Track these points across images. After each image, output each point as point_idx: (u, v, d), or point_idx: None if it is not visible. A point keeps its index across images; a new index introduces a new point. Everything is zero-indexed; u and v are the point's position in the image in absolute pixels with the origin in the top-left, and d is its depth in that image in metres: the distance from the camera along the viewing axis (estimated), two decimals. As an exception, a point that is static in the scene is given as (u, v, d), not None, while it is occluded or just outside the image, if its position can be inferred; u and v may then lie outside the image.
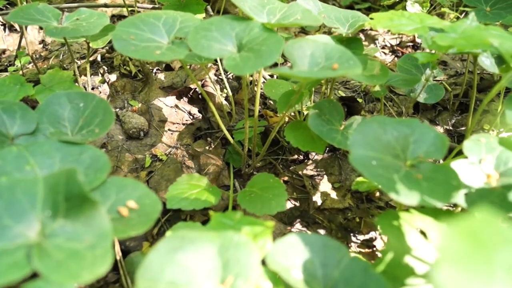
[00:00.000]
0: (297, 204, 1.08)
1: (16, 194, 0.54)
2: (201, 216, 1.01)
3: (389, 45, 1.81)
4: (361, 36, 1.86)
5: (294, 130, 0.99)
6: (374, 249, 0.98)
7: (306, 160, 1.19)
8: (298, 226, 1.03)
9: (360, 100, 1.45)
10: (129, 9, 1.44)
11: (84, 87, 1.32)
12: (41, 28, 1.75)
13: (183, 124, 1.27)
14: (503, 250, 0.36)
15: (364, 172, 0.60)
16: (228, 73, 1.50)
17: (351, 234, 1.02)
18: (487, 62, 0.90)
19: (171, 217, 1.02)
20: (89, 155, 0.68)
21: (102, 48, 1.56)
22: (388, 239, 0.70)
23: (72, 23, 1.03)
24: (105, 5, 1.63)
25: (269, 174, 0.97)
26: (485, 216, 0.39)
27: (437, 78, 1.49)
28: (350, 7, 2.04)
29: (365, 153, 0.64)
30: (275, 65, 1.50)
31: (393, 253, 0.65)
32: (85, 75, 1.35)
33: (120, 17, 1.86)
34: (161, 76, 1.41)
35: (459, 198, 0.66)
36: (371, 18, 0.90)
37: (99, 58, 1.52)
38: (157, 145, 1.19)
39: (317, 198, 1.07)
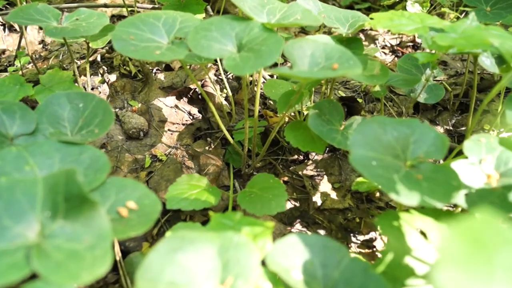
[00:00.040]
0: (297, 204, 1.08)
1: (16, 195, 0.54)
2: (201, 216, 1.01)
3: (389, 45, 1.81)
4: (361, 36, 1.86)
5: (294, 130, 0.99)
6: (374, 249, 0.98)
7: (306, 160, 1.19)
8: (298, 226, 1.03)
9: (360, 100, 1.45)
10: (129, 9, 1.44)
11: (84, 87, 1.32)
12: (40, 28, 1.75)
13: (183, 124, 1.27)
14: (503, 251, 0.36)
15: (364, 172, 0.60)
16: (228, 73, 1.50)
17: (351, 235, 1.02)
18: (487, 62, 0.90)
19: (171, 217, 1.01)
20: (89, 156, 0.68)
21: (102, 48, 1.56)
22: (388, 240, 0.70)
23: (72, 23, 1.03)
24: (105, 5, 1.62)
25: (269, 174, 0.97)
26: (485, 217, 0.39)
27: (437, 78, 1.49)
28: (350, 7, 2.04)
29: (365, 154, 0.64)
30: (275, 65, 1.50)
31: (393, 253, 0.65)
32: (85, 75, 1.35)
33: (120, 17, 1.86)
34: (161, 76, 1.41)
35: (459, 198, 0.66)
36: (371, 18, 0.90)
37: (98, 58, 1.52)
38: (157, 145, 1.19)
39: (317, 199, 1.07)
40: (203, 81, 1.39)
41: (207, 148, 1.17)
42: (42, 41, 1.74)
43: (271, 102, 1.36)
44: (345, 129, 0.93)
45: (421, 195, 0.58)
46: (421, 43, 1.77)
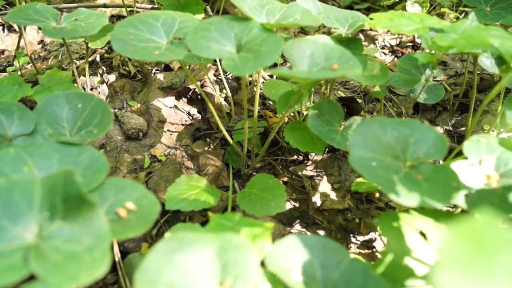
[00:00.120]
0: (297, 205, 1.08)
1: (14, 196, 0.54)
2: (200, 217, 1.00)
3: (389, 45, 1.81)
4: (361, 36, 1.86)
5: (293, 131, 0.99)
6: (374, 250, 0.98)
7: (305, 161, 1.19)
8: (297, 227, 1.02)
9: (359, 101, 1.44)
10: (128, 9, 1.44)
11: (83, 87, 1.32)
12: (40, 28, 1.75)
13: (182, 124, 1.27)
14: (503, 252, 0.36)
15: (364, 173, 0.60)
16: (227, 74, 1.50)
17: (351, 235, 1.01)
18: (487, 63, 0.90)
19: (170, 218, 1.01)
20: (88, 156, 0.68)
21: (101, 48, 1.56)
22: (388, 240, 0.70)
23: (71, 23, 1.02)
24: (104, 5, 1.62)
25: (269, 174, 0.96)
26: (485, 217, 0.38)
27: (437, 79, 1.49)
28: (350, 7, 2.04)
29: (364, 154, 0.64)
30: (275, 65, 1.50)
31: (393, 254, 0.65)
32: (84, 75, 1.35)
33: (119, 17, 1.86)
34: (160, 76, 1.41)
35: (459, 199, 0.66)
36: (370, 18, 0.90)
37: (98, 59, 1.52)
38: (156, 146, 1.18)
39: (316, 199, 1.07)
40: (202, 81, 1.39)
41: (206, 148, 1.17)
42: (41, 41, 1.74)
43: (271, 103, 1.36)
44: (345, 129, 0.93)
45: (421, 195, 0.58)
46: (420, 43, 1.77)
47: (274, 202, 0.88)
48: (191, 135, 1.24)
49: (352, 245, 0.99)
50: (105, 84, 1.38)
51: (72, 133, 0.77)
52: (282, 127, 1.18)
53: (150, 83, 1.37)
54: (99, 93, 1.36)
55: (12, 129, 0.75)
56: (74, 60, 1.55)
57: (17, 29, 1.74)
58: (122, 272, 0.84)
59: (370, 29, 1.87)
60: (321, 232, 1.01)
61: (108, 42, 1.44)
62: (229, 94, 1.30)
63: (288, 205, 1.07)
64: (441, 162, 1.05)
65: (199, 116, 1.31)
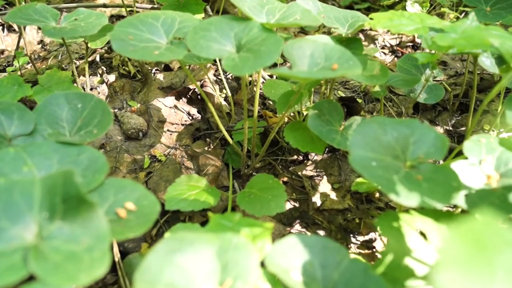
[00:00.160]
0: (297, 205, 1.08)
1: (13, 196, 0.54)
2: (200, 217, 1.00)
3: (388, 45, 1.81)
4: (361, 36, 1.86)
5: (293, 131, 0.98)
6: (374, 250, 0.98)
7: (305, 161, 1.19)
8: (297, 227, 1.02)
9: (359, 101, 1.44)
10: (128, 9, 1.44)
11: (83, 87, 1.31)
12: (39, 28, 1.75)
13: (182, 124, 1.27)
14: (504, 252, 0.36)
15: (364, 173, 0.60)
16: (227, 74, 1.49)
17: (351, 235, 1.01)
18: (487, 62, 0.90)
19: (170, 218, 1.01)
20: (87, 156, 0.68)
21: (101, 48, 1.56)
22: (388, 240, 0.70)
23: (71, 23, 1.02)
24: (104, 5, 1.62)
25: (269, 174, 0.96)
26: (485, 218, 0.38)
27: (437, 78, 1.49)
28: (350, 7, 2.04)
29: (364, 154, 0.64)
30: (275, 65, 1.50)
31: (393, 254, 0.64)
32: (84, 75, 1.35)
33: (119, 17, 1.86)
34: (160, 76, 1.41)
35: (459, 199, 0.66)
36: (370, 18, 0.90)
37: (97, 59, 1.52)
38: (156, 146, 1.18)
39: (316, 199, 1.07)
40: (202, 81, 1.39)
41: (206, 148, 1.17)
42: (41, 41, 1.73)
43: (271, 103, 1.36)
44: (345, 129, 0.93)
45: (421, 195, 0.58)
46: (420, 43, 1.77)
47: (274, 202, 0.88)
48: (191, 135, 1.24)
49: (352, 245, 0.99)
50: (105, 84, 1.38)
51: (72, 133, 0.77)
52: (282, 127, 1.18)
53: (150, 83, 1.37)
54: (98, 93, 1.36)
55: (11, 129, 0.75)
56: (74, 60, 1.55)
57: (16, 29, 1.74)
58: (122, 272, 0.83)
59: (370, 29, 1.87)
60: (321, 232, 1.01)
61: (108, 42, 1.44)
62: (229, 94, 1.30)
63: (288, 205, 1.07)
64: (441, 162, 1.05)
65: (199, 116, 1.30)
